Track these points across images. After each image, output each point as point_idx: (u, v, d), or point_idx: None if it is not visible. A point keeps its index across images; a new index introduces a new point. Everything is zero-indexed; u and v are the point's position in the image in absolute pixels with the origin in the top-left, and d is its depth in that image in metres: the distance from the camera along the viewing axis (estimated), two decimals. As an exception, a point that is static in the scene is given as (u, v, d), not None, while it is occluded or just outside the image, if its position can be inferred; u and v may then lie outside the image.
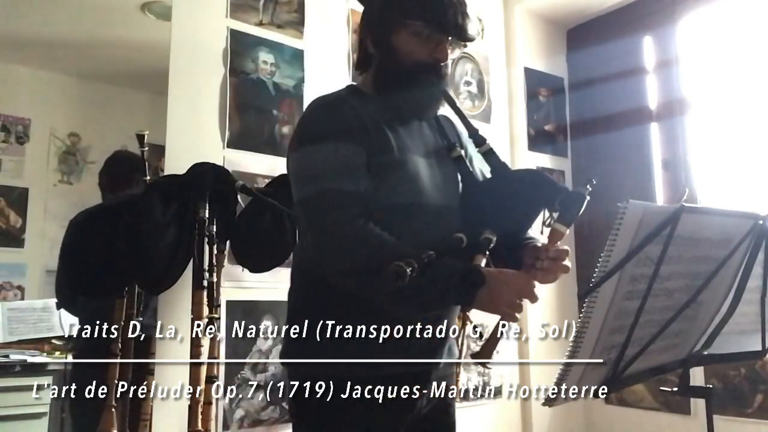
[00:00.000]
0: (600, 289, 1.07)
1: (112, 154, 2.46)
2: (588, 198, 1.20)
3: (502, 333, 1.19)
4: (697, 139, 2.91)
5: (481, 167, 1.41)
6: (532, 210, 1.28)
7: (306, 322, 1.28)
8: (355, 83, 1.41)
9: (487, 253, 1.20)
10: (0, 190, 3.03)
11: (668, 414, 2.79)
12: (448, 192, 1.32)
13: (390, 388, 1.25)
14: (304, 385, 1.27)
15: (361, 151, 1.22)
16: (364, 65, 1.38)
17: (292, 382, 1.31)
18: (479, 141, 1.35)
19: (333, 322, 1.24)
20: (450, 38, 1.28)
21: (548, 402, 1.15)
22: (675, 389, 1.37)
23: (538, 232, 1.31)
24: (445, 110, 1.41)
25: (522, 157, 3.15)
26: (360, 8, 2.61)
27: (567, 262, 1.22)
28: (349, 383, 1.23)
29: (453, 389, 1.41)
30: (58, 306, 2.57)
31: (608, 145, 3.20)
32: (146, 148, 2.14)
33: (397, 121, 1.30)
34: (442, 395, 1.36)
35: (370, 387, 1.23)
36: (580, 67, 3.38)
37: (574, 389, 1.17)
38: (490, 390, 2.87)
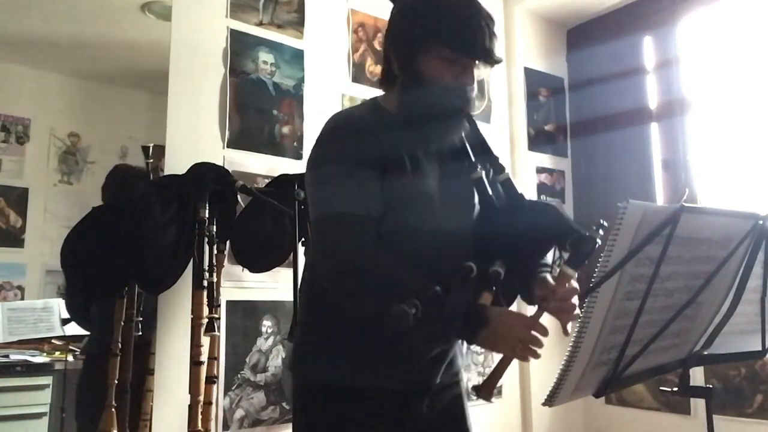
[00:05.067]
0: (600, 289, 1.07)
1: (113, 169, 2.44)
2: (599, 243, 1.17)
3: (503, 369, 1.19)
4: (697, 139, 2.91)
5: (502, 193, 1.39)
6: (543, 245, 1.28)
7: (315, 331, 1.31)
8: (377, 98, 1.39)
9: (494, 287, 1.19)
10: (0, 190, 3.04)
11: (668, 414, 2.79)
12: (462, 216, 1.32)
13: (389, 400, 1.26)
14: (309, 390, 1.29)
15: (376, 174, 1.22)
16: (389, 81, 1.35)
17: (297, 387, 1.33)
18: (498, 169, 1.33)
19: (340, 333, 1.26)
20: (477, 61, 1.26)
21: (548, 402, 1.15)
22: (675, 389, 1.37)
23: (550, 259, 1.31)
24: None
25: (522, 157, 3.16)
26: (360, 8, 2.60)
27: (575, 300, 1.20)
28: (353, 393, 1.25)
29: (461, 396, 1.40)
30: (64, 322, 2.57)
31: (608, 145, 3.20)
32: (152, 160, 2.14)
33: (418, 141, 1.29)
34: (448, 403, 1.36)
35: (370, 399, 1.24)
36: (580, 67, 3.38)
37: (574, 389, 1.17)
38: (490, 390, 2.87)
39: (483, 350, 1.31)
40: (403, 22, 1.30)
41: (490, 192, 1.31)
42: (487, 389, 1.17)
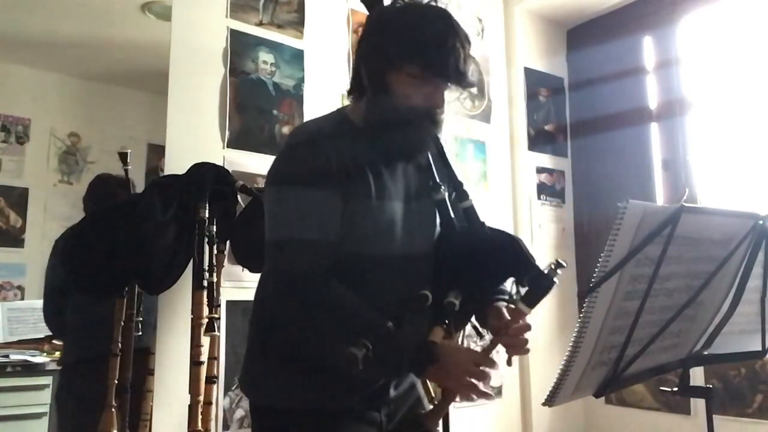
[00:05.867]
0: (600, 289, 1.07)
1: (93, 179, 2.44)
2: (556, 283, 1.18)
3: (448, 403, 1.19)
4: (697, 139, 2.91)
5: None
6: (500, 276, 1.27)
7: (264, 352, 1.29)
8: (344, 109, 1.35)
9: (447, 321, 1.18)
10: (0, 190, 3.04)
11: (668, 414, 2.79)
12: (423, 238, 1.30)
13: (346, 416, 1.25)
14: (262, 411, 1.29)
15: (336, 199, 1.18)
16: (358, 93, 1.30)
17: (251, 407, 1.33)
18: (462, 195, 1.30)
19: (288, 355, 1.24)
20: (449, 84, 1.23)
21: (548, 402, 1.15)
22: (675, 389, 1.37)
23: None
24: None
25: (522, 157, 3.16)
26: (360, 8, 2.61)
27: (527, 336, 1.21)
28: (304, 413, 1.23)
29: (420, 400, 1.40)
30: (52, 337, 2.56)
31: (608, 145, 3.20)
32: (129, 167, 2.13)
33: (383, 161, 1.26)
34: (407, 409, 1.35)
35: (326, 416, 1.23)
36: (580, 67, 3.38)
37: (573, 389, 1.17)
38: (490, 390, 2.87)
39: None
40: (377, 37, 1.26)
41: (452, 215, 1.29)
42: (434, 418, 1.19)
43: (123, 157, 2.12)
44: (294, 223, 1.17)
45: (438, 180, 1.32)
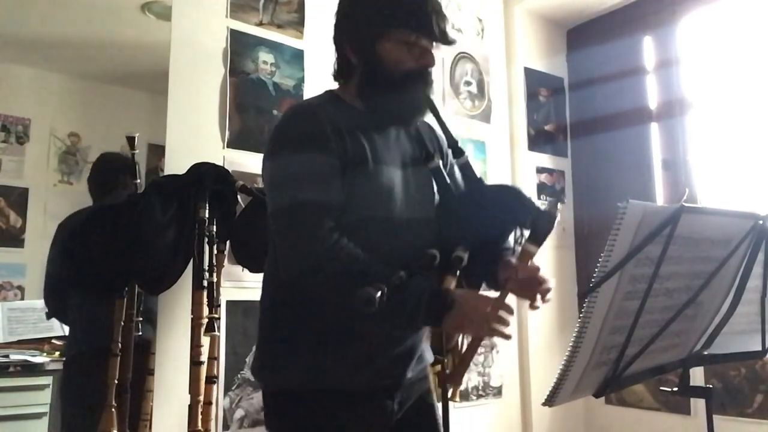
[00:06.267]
0: (600, 289, 1.07)
1: (98, 158, 2.43)
2: (558, 217, 1.19)
3: (472, 355, 1.19)
4: (697, 139, 2.91)
5: (460, 178, 1.40)
6: (504, 227, 1.29)
7: (278, 335, 1.28)
8: (333, 90, 1.39)
9: (458, 272, 1.19)
10: (0, 190, 3.04)
11: (668, 414, 2.79)
12: (423, 204, 1.31)
13: (360, 399, 1.25)
14: (277, 396, 1.28)
15: (335, 161, 1.21)
16: (346, 75, 1.35)
17: (265, 394, 1.32)
18: (458, 152, 1.35)
19: (304, 335, 1.24)
20: (434, 44, 1.28)
21: (548, 402, 1.15)
22: (675, 389, 1.37)
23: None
24: (428, 117, 1.39)
25: (522, 157, 3.16)
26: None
27: (548, 283, 1.21)
28: (320, 395, 1.23)
29: (429, 391, 1.40)
30: (48, 316, 2.54)
31: (608, 145, 3.20)
32: (137, 151, 2.12)
33: (375, 130, 1.29)
34: (418, 398, 1.36)
35: (340, 398, 1.23)
36: (580, 67, 3.38)
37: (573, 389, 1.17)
38: (490, 390, 2.87)
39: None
40: (361, 10, 1.32)
41: (448, 181, 1.32)
42: (458, 375, 1.18)
43: (131, 141, 2.11)
44: (298, 187, 1.19)
45: (430, 148, 1.35)
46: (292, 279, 1.20)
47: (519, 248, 1.24)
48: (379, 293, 1.00)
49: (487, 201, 1.28)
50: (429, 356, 1.40)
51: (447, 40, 1.29)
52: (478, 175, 1.33)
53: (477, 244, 1.22)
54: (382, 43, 1.27)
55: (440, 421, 1.41)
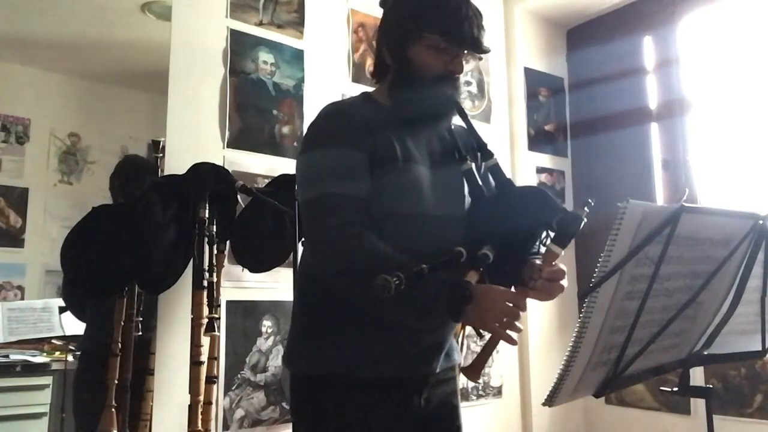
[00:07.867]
0: (600, 289, 1.07)
1: (124, 159, 2.45)
2: (585, 220, 1.20)
3: (491, 350, 1.19)
4: (697, 139, 2.91)
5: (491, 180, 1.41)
6: (533, 229, 1.29)
7: (310, 326, 1.31)
8: (368, 92, 1.42)
9: (482, 269, 1.19)
10: (0, 190, 3.04)
11: (668, 414, 2.79)
12: (452, 203, 1.33)
13: (388, 390, 1.27)
14: (308, 381, 1.30)
15: (365, 157, 1.24)
16: (380, 75, 1.40)
17: (294, 378, 1.34)
18: (487, 155, 1.37)
19: (335, 325, 1.26)
20: (466, 51, 1.30)
21: (548, 402, 1.15)
22: (675, 389, 1.37)
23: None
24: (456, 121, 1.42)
25: (522, 157, 3.16)
26: (360, 8, 2.62)
27: (564, 282, 1.23)
28: (348, 385, 1.25)
29: (455, 393, 1.42)
30: (62, 310, 2.56)
31: (608, 145, 3.20)
32: (161, 155, 2.14)
33: (407, 131, 1.32)
34: (444, 398, 1.37)
35: (368, 389, 1.25)
36: (580, 67, 3.38)
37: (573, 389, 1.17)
38: (490, 390, 2.87)
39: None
40: (396, 14, 1.34)
41: (480, 183, 1.34)
42: (476, 369, 1.18)
43: (156, 145, 2.14)
44: (327, 180, 1.23)
45: (463, 151, 1.37)
46: (317, 269, 1.25)
47: (543, 249, 1.25)
48: (396, 280, 1.00)
49: (517, 201, 1.30)
50: (457, 356, 1.42)
51: (480, 49, 1.31)
52: (507, 177, 1.35)
53: (505, 245, 1.22)
54: (413, 47, 1.30)
55: (462, 423, 1.41)
